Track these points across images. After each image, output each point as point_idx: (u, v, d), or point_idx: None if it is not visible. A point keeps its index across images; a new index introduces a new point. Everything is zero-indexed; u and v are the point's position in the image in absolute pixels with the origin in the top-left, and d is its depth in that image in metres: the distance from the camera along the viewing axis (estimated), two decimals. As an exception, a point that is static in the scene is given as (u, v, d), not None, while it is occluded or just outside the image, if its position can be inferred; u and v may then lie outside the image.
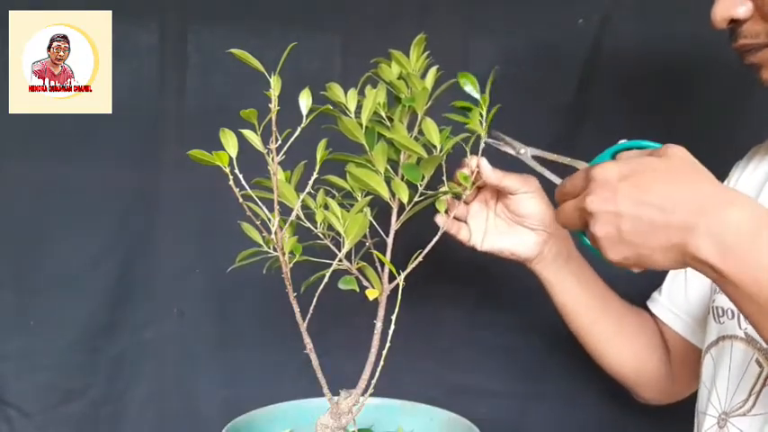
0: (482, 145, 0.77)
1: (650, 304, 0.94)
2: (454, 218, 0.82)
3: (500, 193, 0.85)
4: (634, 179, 0.59)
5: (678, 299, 0.91)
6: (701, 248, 0.55)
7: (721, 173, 0.85)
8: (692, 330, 0.90)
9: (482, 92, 0.74)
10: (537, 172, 0.80)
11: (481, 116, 0.74)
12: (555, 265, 0.86)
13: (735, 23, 0.68)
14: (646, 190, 0.58)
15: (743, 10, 0.67)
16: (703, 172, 0.59)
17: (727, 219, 0.55)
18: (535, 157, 0.80)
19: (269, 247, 0.73)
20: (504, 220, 0.85)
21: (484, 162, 0.79)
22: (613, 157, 0.71)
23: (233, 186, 0.67)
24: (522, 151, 0.81)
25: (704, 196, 0.57)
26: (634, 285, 0.92)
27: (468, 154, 0.77)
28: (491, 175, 0.80)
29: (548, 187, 0.76)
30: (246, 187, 0.68)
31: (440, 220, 0.80)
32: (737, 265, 0.54)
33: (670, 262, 0.58)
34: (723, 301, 0.77)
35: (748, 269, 0.54)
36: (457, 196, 0.80)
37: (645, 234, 0.58)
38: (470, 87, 0.74)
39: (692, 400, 0.91)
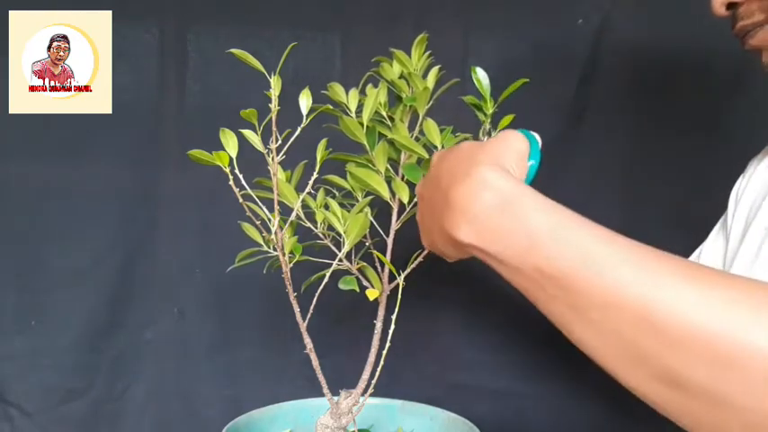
0: None
1: None
2: None
3: None
4: (442, 161, 0.58)
5: None
6: (460, 230, 0.52)
7: (721, 170, 0.85)
8: None
9: (494, 95, 0.74)
10: None
11: (486, 116, 0.74)
12: None
13: (733, 7, 0.68)
14: (436, 169, 0.58)
15: None
16: (490, 152, 0.56)
17: (477, 196, 0.52)
18: None
19: (269, 247, 0.73)
20: None
21: None
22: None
23: (233, 186, 0.67)
24: None
25: (459, 176, 0.53)
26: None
27: None
28: None
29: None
30: (246, 187, 0.68)
31: None
32: (495, 240, 0.50)
33: (454, 250, 0.57)
34: None
35: (505, 241, 0.50)
36: None
37: (427, 216, 0.58)
38: (477, 77, 0.73)
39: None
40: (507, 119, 0.74)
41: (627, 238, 0.46)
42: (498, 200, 0.50)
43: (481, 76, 0.72)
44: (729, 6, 0.67)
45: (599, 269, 0.44)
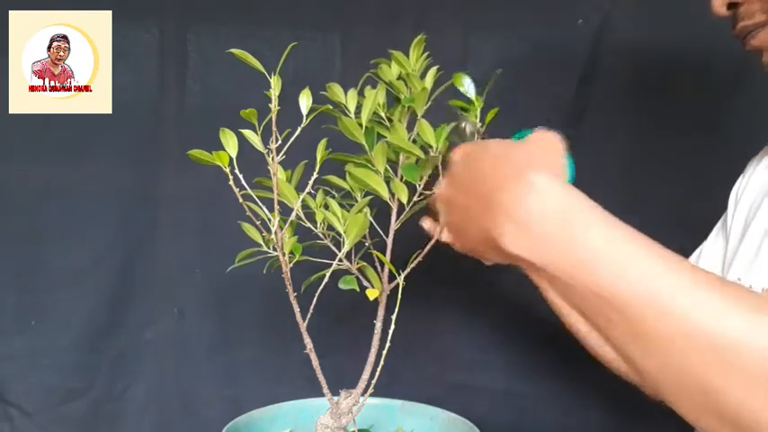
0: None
1: None
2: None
3: None
4: (468, 160, 0.55)
5: None
6: (506, 238, 0.49)
7: (721, 170, 0.85)
8: None
9: (479, 93, 0.73)
10: None
11: (476, 117, 0.74)
12: None
13: (734, 7, 0.68)
14: (464, 170, 0.55)
15: None
16: (536, 157, 0.53)
17: (527, 204, 0.49)
18: None
19: (269, 247, 0.73)
20: None
21: None
22: None
23: (233, 186, 0.67)
24: None
25: (506, 180, 0.50)
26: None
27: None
28: None
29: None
30: (246, 187, 0.68)
31: (427, 223, 0.79)
32: (544, 251, 0.48)
33: (497, 256, 0.53)
34: None
35: (555, 254, 0.47)
36: None
37: (463, 221, 0.55)
38: (464, 89, 0.73)
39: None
40: (492, 112, 0.73)
41: (685, 261, 0.44)
42: (551, 207, 0.48)
43: (466, 83, 0.72)
44: (730, 6, 0.67)
45: (663, 299, 0.42)
